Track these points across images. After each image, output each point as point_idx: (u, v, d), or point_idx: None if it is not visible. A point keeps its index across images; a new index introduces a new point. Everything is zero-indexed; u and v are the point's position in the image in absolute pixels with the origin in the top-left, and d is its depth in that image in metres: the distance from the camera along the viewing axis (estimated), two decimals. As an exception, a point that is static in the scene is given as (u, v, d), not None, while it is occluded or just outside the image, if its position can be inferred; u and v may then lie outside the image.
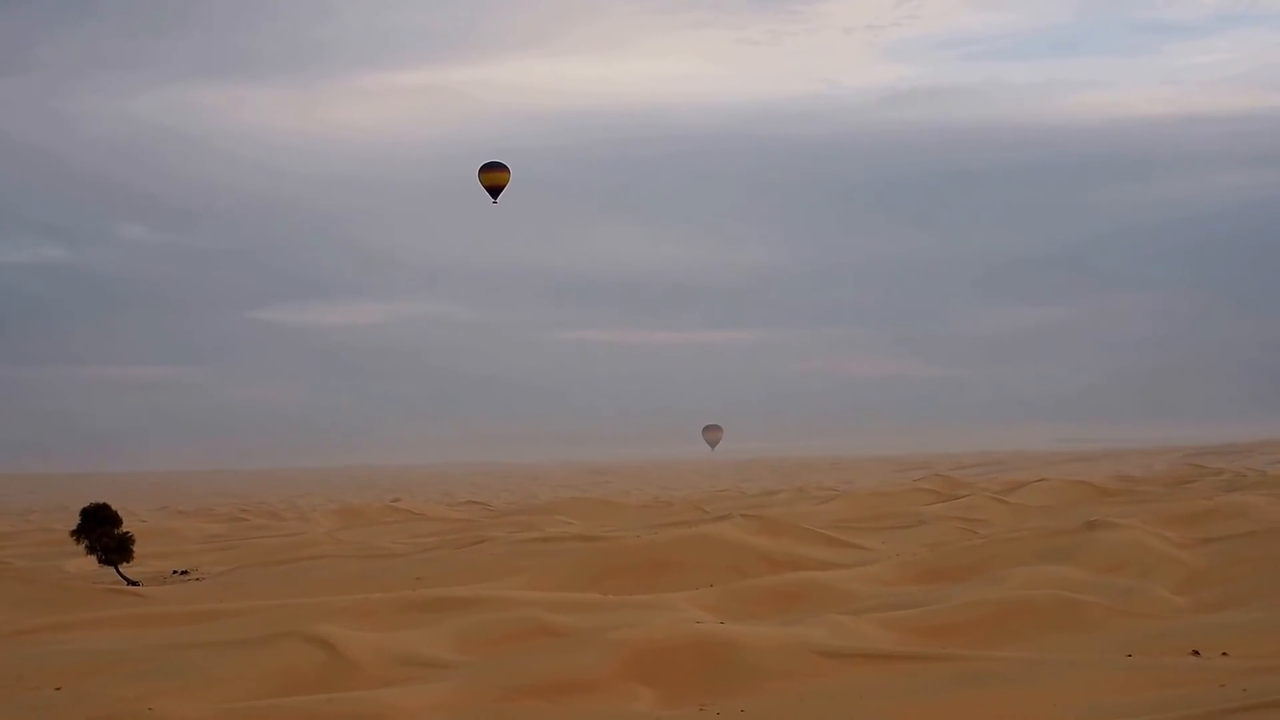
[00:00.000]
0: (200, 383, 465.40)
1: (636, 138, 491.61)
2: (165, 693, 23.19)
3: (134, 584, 42.97)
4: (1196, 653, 25.32)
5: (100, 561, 44.61)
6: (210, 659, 25.41)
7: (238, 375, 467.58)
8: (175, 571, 47.23)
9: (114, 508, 45.25)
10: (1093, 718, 19.11)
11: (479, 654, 26.15)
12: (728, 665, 24.04)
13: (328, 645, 25.56)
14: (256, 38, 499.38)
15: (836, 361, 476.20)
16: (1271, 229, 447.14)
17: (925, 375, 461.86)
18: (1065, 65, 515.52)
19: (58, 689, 24.12)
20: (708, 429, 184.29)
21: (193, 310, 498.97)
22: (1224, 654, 25.08)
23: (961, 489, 69.91)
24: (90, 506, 45.03)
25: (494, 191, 67.82)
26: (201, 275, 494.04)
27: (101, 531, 44.37)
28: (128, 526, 45.72)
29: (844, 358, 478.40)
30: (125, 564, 44.59)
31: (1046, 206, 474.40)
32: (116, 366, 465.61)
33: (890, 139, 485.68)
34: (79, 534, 44.69)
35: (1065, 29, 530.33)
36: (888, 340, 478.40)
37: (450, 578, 37.98)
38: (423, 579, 38.35)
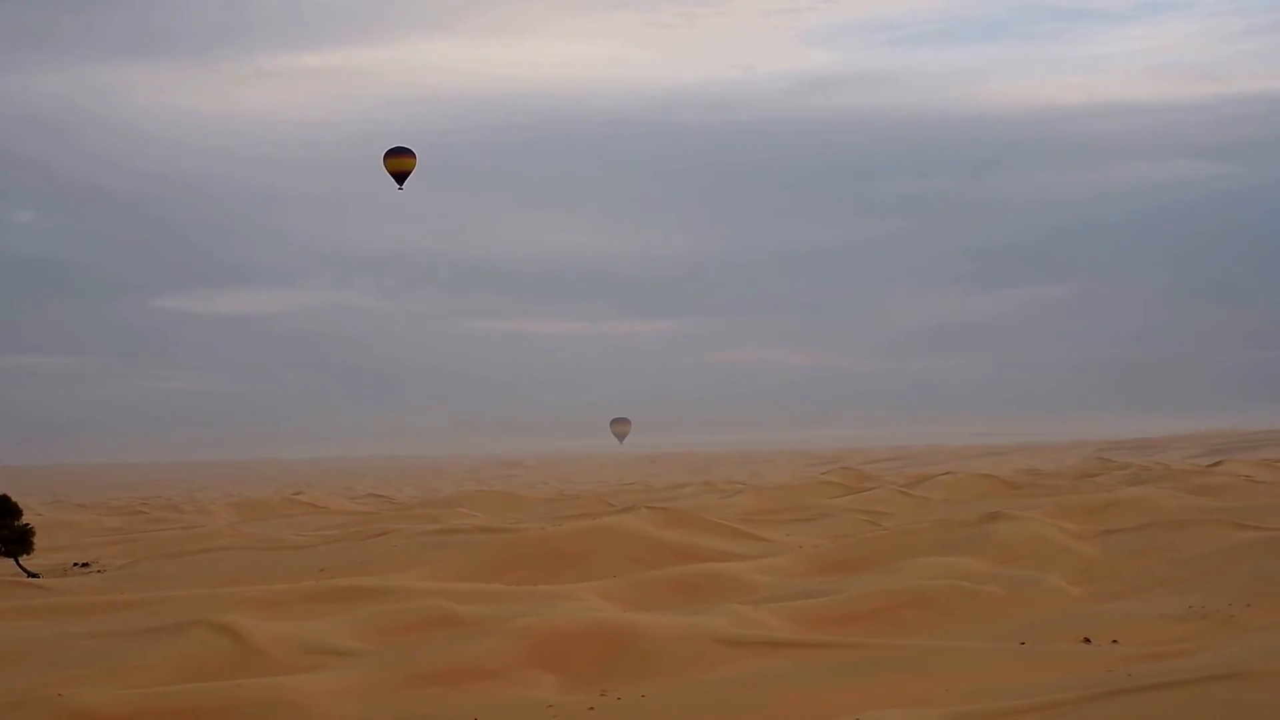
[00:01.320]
0: (96, 373, 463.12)
1: (547, 122, 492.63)
2: (74, 680, 23.98)
3: (34, 576, 43.36)
4: (1088, 640, 26.64)
5: (-1, 553, 44.96)
6: (118, 648, 26.18)
7: (137, 365, 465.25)
8: (76, 564, 47.63)
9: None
10: (984, 701, 20.15)
11: (383, 642, 27.06)
12: (629, 652, 25.07)
13: (234, 634, 26.40)
14: (164, 18, 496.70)
15: (750, 353, 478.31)
16: (1190, 221, 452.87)
17: (841, 368, 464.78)
18: (987, 52, 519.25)
19: (-38, 679, 24.74)
20: (616, 422, 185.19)
21: (91, 297, 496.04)
22: (1114, 641, 26.41)
23: (868, 482, 71.28)
24: (-11, 497, 45.28)
25: (400, 178, 68.29)
26: (101, 261, 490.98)
27: (1, 523, 44.71)
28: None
29: (758, 349, 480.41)
30: (25, 556, 44.99)
31: (967, 195, 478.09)
32: (10, 355, 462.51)
33: (807, 126, 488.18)
34: (-24, 526, 44.92)
35: (987, 15, 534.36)
36: (803, 332, 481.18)
37: (354, 569, 38.80)
38: (327, 570, 39.18)
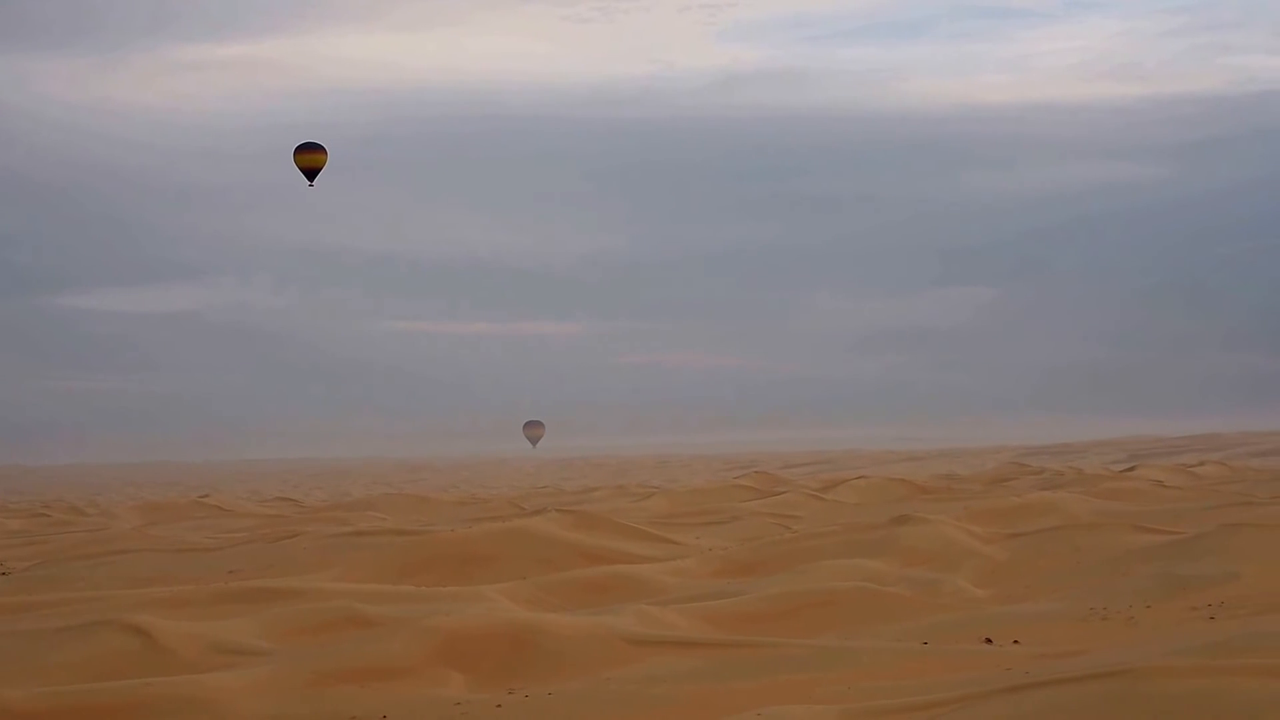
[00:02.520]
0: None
1: (460, 117, 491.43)
2: (-16, 679, 24.73)
3: (-64, 580, 43.90)
4: (989, 640, 27.81)
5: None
6: (25, 647, 26.90)
7: (25, 366, 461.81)
8: (-21, 568, 48.18)
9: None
10: (884, 698, 21.15)
11: (293, 642, 27.90)
12: (536, 651, 26.05)
13: (143, 633, 27.16)
14: (78, 6, 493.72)
15: (668, 355, 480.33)
16: (1114, 221, 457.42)
17: (761, 371, 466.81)
18: (910, 50, 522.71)
19: None
20: (529, 425, 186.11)
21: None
22: (1015, 641, 27.59)
23: (780, 486, 72.43)
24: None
25: (310, 174, 68.70)
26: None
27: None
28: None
29: (676, 351, 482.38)
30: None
31: (888, 195, 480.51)
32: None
33: (726, 123, 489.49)
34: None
35: (911, 12, 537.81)
36: (721, 334, 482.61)
37: (263, 571, 39.61)
38: (236, 572, 39.97)
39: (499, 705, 22.93)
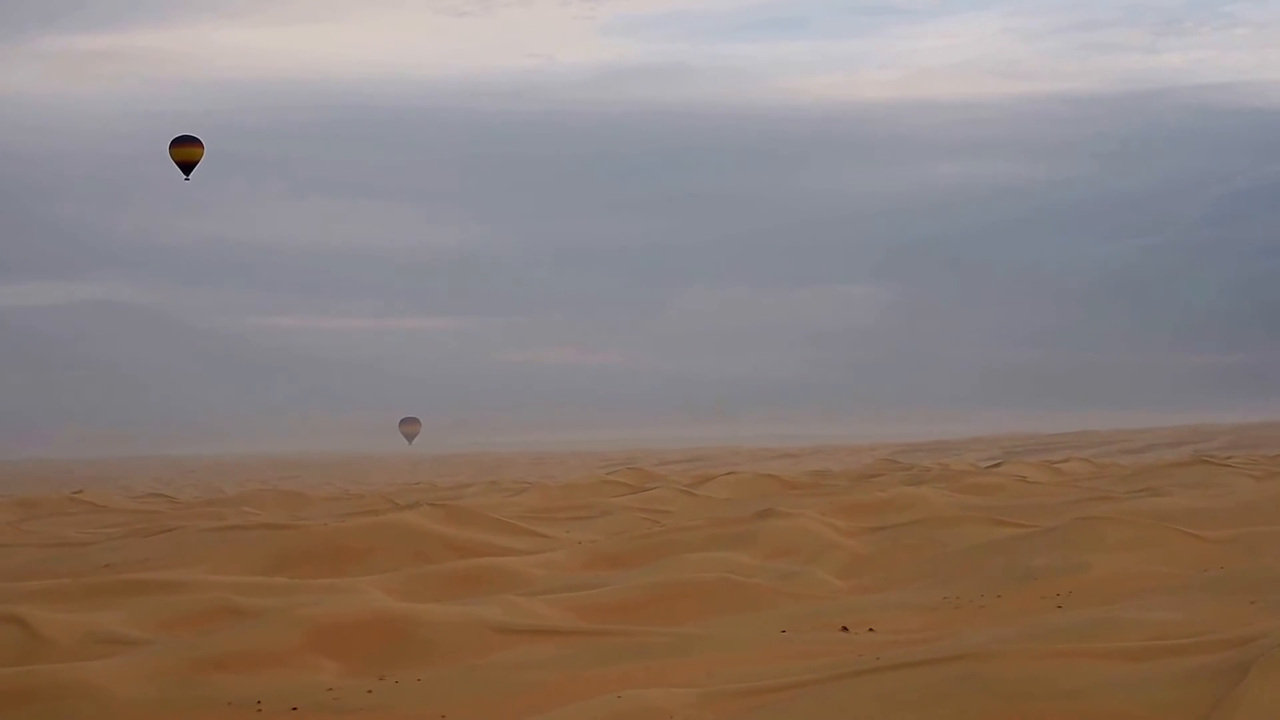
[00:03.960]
0: None
1: (339, 110, 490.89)
2: None
3: None
4: (845, 628, 29.18)
5: None
6: (-93, 640, 27.68)
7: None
8: None
9: None
10: (740, 682, 22.24)
11: (169, 632, 28.77)
12: (407, 640, 27.12)
13: (22, 624, 27.97)
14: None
15: (547, 352, 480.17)
16: (993, 218, 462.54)
17: (640, 366, 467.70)
18: (792, 45, 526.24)
19: None
20: (404, 421, 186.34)
21: None
22: (870, 629, 29.02)
23: (652, 482, 73.34)
24: None
25: (186, 168, 68.67)
26: None
27: None
28: None
29: (555, 348, 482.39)
30: None
31: (767, 191, 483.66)
32: None
33: (607, 118, 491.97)
34: None
35: (793, 9, 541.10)
36: (599, 330, 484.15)
37: (139, 564, 40.26)
38: (111, 565, 40.63)
39: (370, 691, 23.98)
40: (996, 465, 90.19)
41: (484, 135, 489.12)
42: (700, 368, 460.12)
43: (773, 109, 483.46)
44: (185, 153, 67.62)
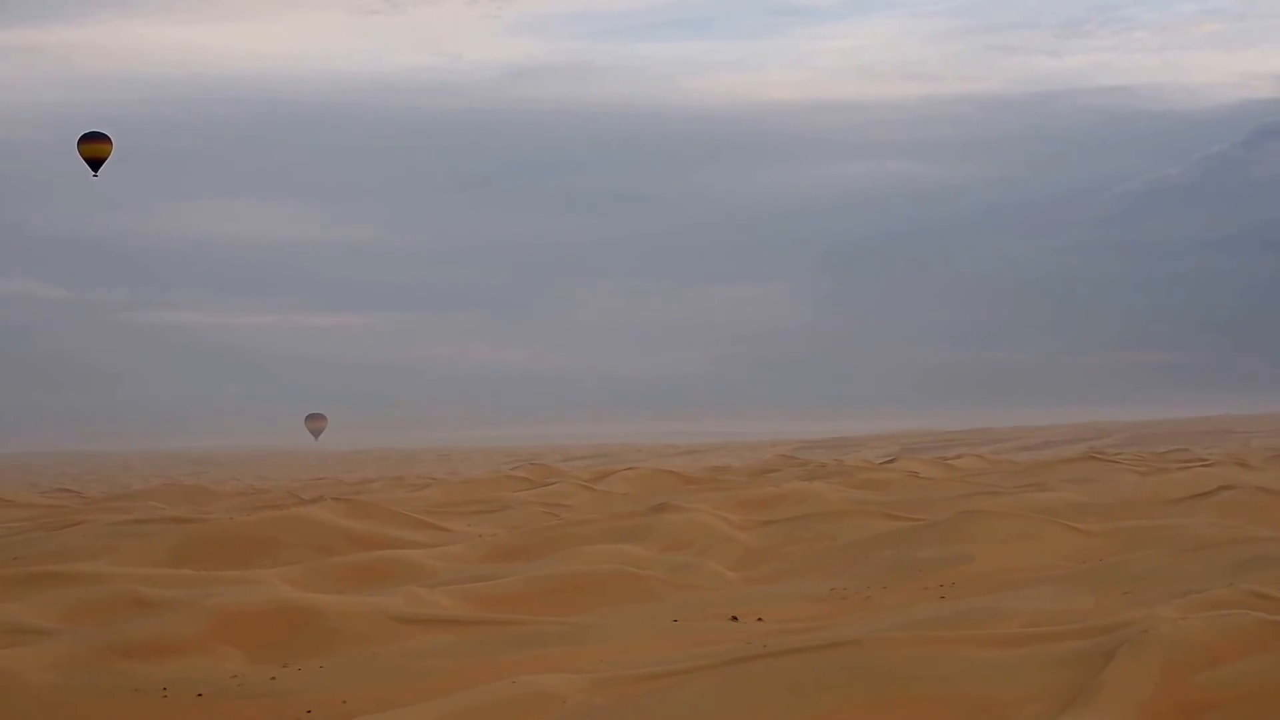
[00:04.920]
0: None
1: (245, 108, 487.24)
2: None
3: None
4: (735, 618, 30.00)
5: None
6: None
7: None
8: None
9: None
10: (631, 669, 22.92)
11: (77, 622, 29.19)
12: (310, 630, 27.66)
13: (-66, 615, 28.43)
14: None
15: (454, 349, 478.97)
16: (898, 218, 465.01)
17: (548, 364, 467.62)
18: (698, 45, 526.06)
19: None
20: (311, 418, 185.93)
21: None
22: (759, 619, 29.85)
23: (553, 477, 74.03)
24: None
25: (95, 164, 68.45)
26: None
27: None
28: None
29: (460, 345, 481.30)
30: None
31: (675, 189, 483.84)
32: None
33: (516, 116, 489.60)
34: None
35: (699, 8, 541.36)
36: (506, 328, 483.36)
37: (46, 557, 40.52)
38: (19, 559, 40.88)
39: (273, 678, 24.55)
40: (890, 461, 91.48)
41: (393, 132, 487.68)
42: (608, 366, 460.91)
43: (678, 108, 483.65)
44: (94, 149, 67.51)
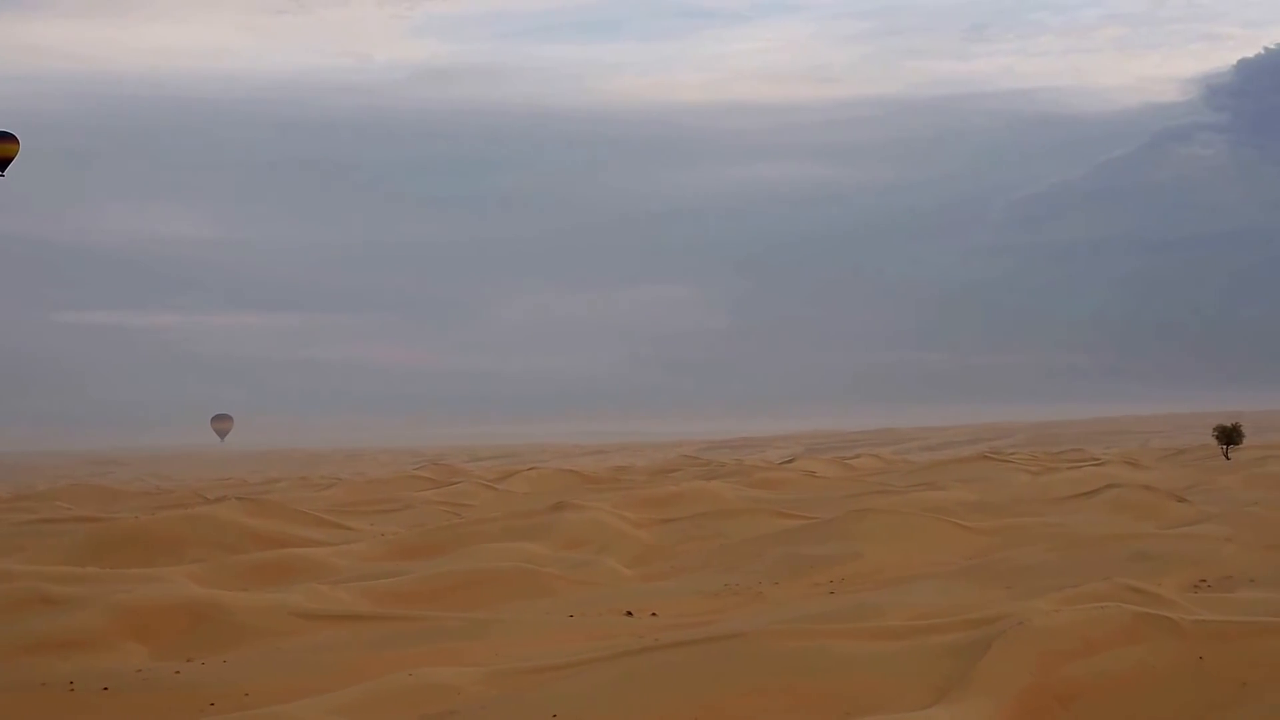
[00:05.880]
0: None
1: (152, 107, 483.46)
2: None
3: None
4: (630, 613, 30.71)
5: None
6: None
7: None
8: None
9: None
10: (526, 661, 23.58)
11: (-16, 620, 29.60)
12: (214, 624, 28.24)
13: None
14: None
15: (363, 349, 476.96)
16: (806, 219, 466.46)
17: (456, 365, 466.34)
18: (606, 48, 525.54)
19: None
20: (216, 419, 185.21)
21: None
22: (653, 614, 30.57)
23: (456, 477, 74.59)
24: None
25: (1, 164, 68.19)
26: None
27: None
28: None
29: (367, 345, 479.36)
30: None
31: (583, 190, 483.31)
32: None
33: (424, 117, 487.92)
34: None
35: (607, 11, 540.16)
36: (412, 329, 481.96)
37: (-50, 558, 40.80)
38: (-74, 559, 41.07)
39: (178, 671, 25.02)
40: (789, 461, 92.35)
41: (301, 132, 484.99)
42: (515, 367, 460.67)
43: (586, 110, 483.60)
44: (1, 149, 67.15)
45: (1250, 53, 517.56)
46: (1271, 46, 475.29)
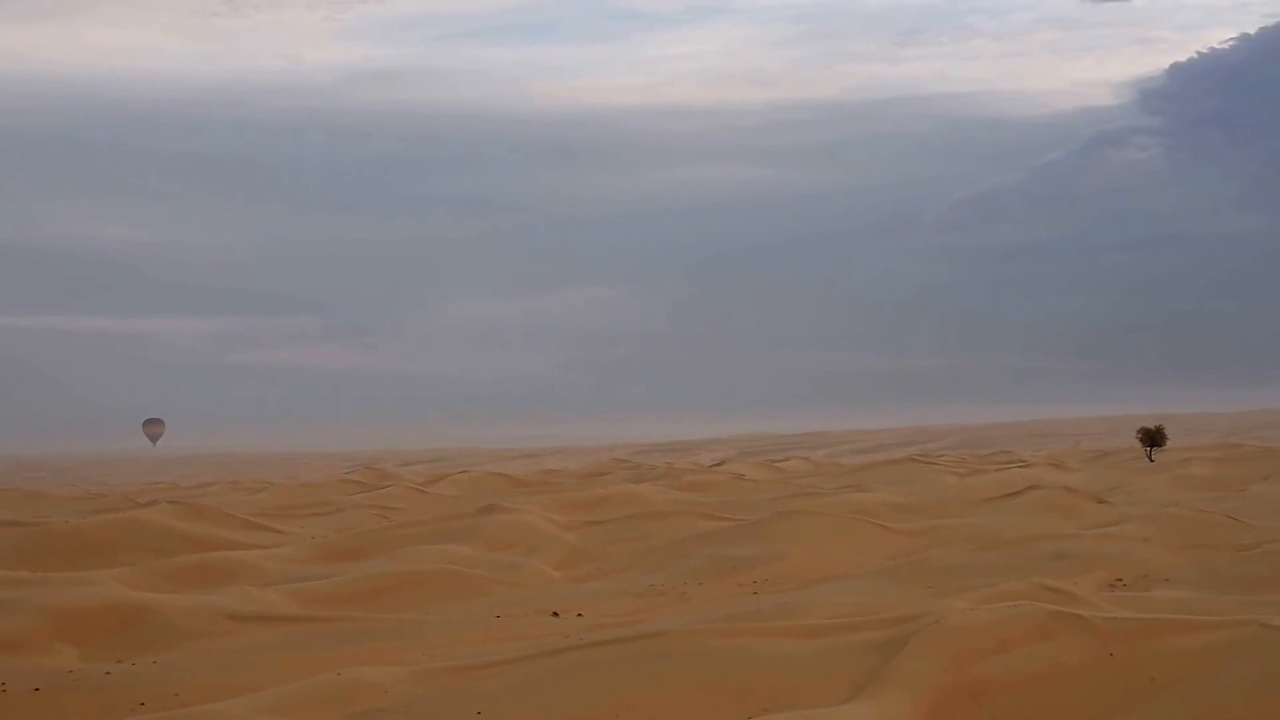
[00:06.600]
0: None
1: (80, 109, 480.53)
2: None
3: None
4: (556, 614, 31.16)
5: None
6: None
7: None
8: None
9: None
10: (452, 661, 23.96)
11: (-87, 623, 29.80)
12: (144, 626, 28.56)
13: None
14: None
15: (293, 353, 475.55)
16: (741, 222, 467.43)
17: (390, 368, 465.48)
18: (541, 50, 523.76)
19: None
20: (148, 423, 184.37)
21: None
22: (579, 614, 31.03)
23: (387, 480, 74.81)
24: None
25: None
26: None
27: None
28: None
29: (301, 349, 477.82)
30: None
31: (520, 193, 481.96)
32: None
33: (358, 119, 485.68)
34: None
35: (541, 13, 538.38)
36: (347, 331, 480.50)
37: (-118, 562, 40.87)
38: None
39: (108, 673, 25.30)
40: (719, 464, 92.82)
41: (231, 136, 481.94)
42: (452, 370, 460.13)
43: (522, 112, 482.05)
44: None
45: (1183, 57, 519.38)
46: (1204, 50, 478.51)
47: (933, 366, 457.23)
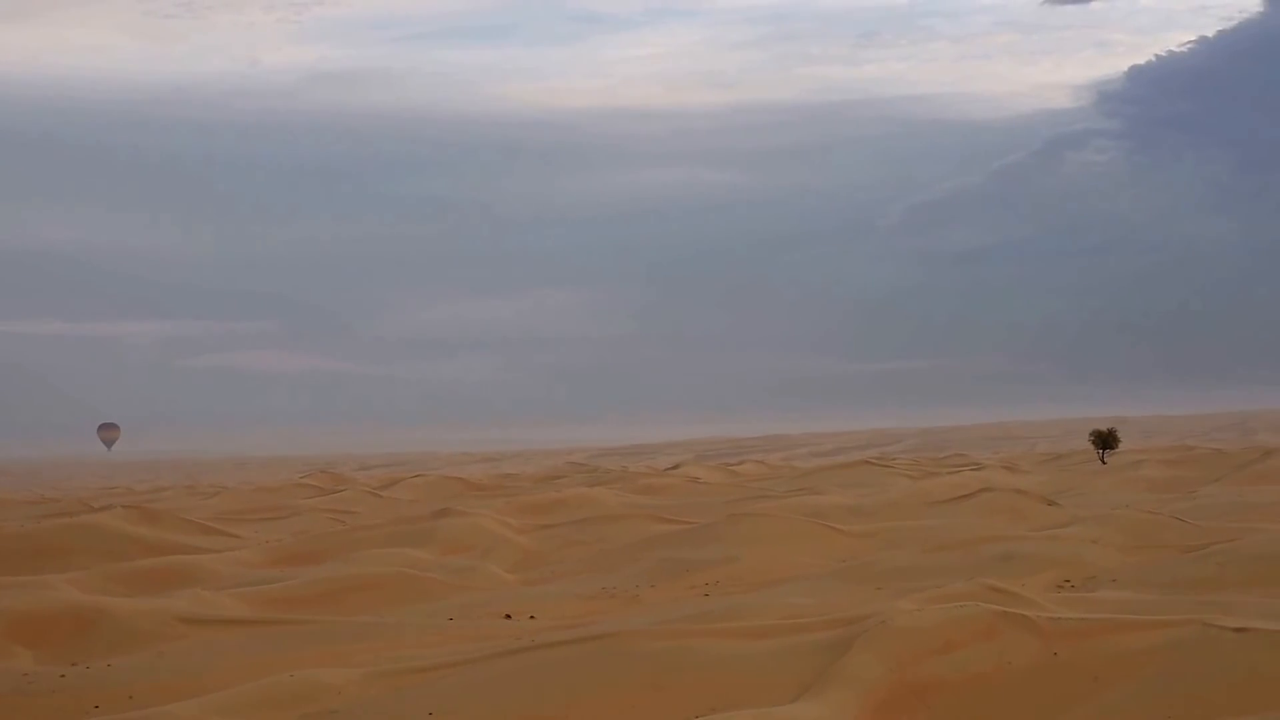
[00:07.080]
0: None
1: (39, 111, 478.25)
2: None
3: None
4: (509, 616, 31.44)
5: None
6: None
7: None
8: None
9: None
10: (406, 663, 24.18)
11: None
12: (99, 630, 28.77)
13: None
14: None
15: (251, 356, 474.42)
16: (698, 225, 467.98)
17: (346, 371, 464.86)
18: (498, 52, 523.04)
19: None
20: (103, 427, 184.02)
21: None
22: (532, 617, 31.33)
23: (342, 485, 75.00)
24: None
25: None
26: None
27: None
28: None
29: (259, 352, 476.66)
30: None
31: (475, 196, 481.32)
32: None
33: (315, 121, 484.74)
34: None
35: (499, 15, 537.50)
36: (303, 334, 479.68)
37: None
38: None
39: (63, 676, 25.47)
40: (674, 467, 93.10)
41: (189, 137, 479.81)
42: (410, 374, 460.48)
43: (478, 115, 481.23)
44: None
45: (1141, 59, 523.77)
46: (1162, 54, 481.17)
47: (893, 370, 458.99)
